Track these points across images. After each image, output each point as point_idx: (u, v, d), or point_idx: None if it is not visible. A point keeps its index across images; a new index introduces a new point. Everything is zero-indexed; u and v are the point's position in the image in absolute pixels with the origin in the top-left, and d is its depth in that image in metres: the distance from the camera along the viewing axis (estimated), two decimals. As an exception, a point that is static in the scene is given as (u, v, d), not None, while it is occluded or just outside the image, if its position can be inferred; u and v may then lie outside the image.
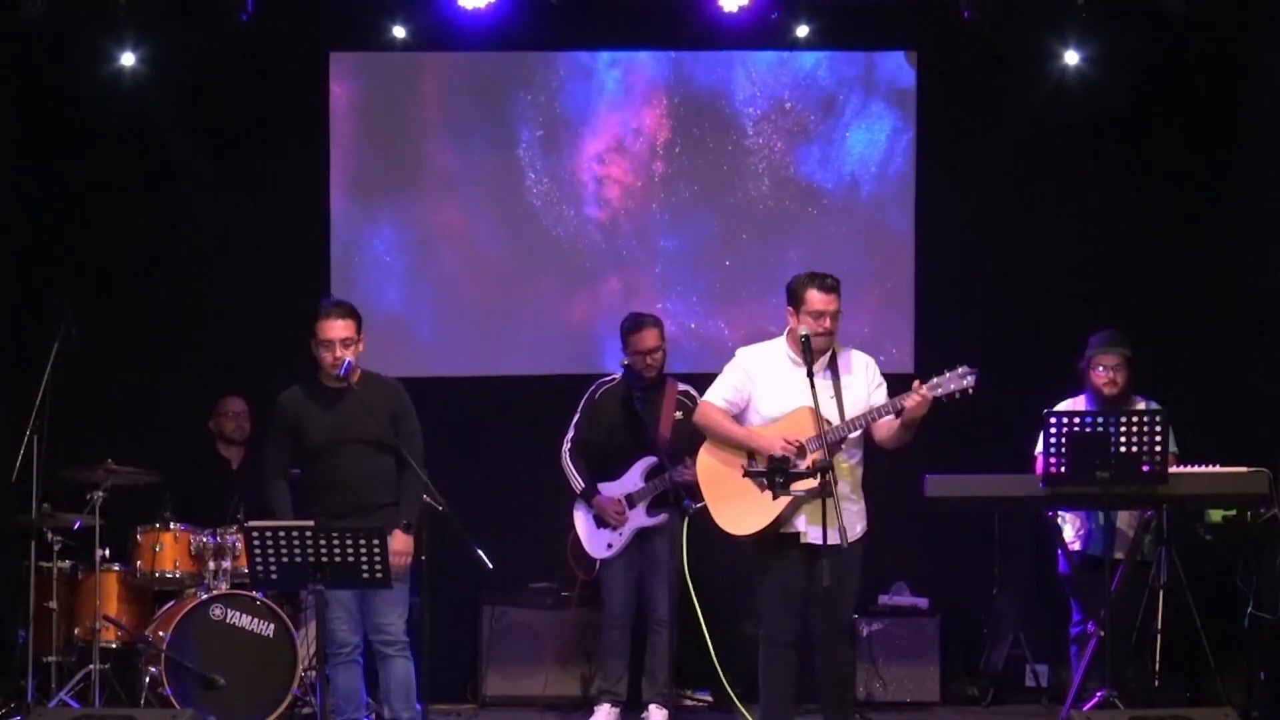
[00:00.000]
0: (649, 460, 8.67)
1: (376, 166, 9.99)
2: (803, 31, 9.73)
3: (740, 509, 7.30)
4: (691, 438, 7.82)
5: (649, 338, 8.76)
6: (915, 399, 7.14)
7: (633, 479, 8.71)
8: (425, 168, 10.00)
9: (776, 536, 7.27)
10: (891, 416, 7.23)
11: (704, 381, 7.68)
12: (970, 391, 7.19)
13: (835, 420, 7.22)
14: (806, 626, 7.34)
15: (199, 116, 9.73)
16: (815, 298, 7.28)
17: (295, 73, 9.84)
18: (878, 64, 9.98)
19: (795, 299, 7.34)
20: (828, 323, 7.26)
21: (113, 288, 9.74)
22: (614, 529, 8.72)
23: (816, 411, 7.15)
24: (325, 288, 8.99)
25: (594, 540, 8.78)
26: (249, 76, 9.74)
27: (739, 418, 7.43)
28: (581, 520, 8.82)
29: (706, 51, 9.93)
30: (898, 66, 9.96)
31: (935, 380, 7.21)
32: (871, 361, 7.48)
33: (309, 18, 9.68)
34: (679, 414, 8.66)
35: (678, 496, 8.39)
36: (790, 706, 7.40)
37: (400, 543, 7.57)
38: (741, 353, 7.52)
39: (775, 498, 7.09)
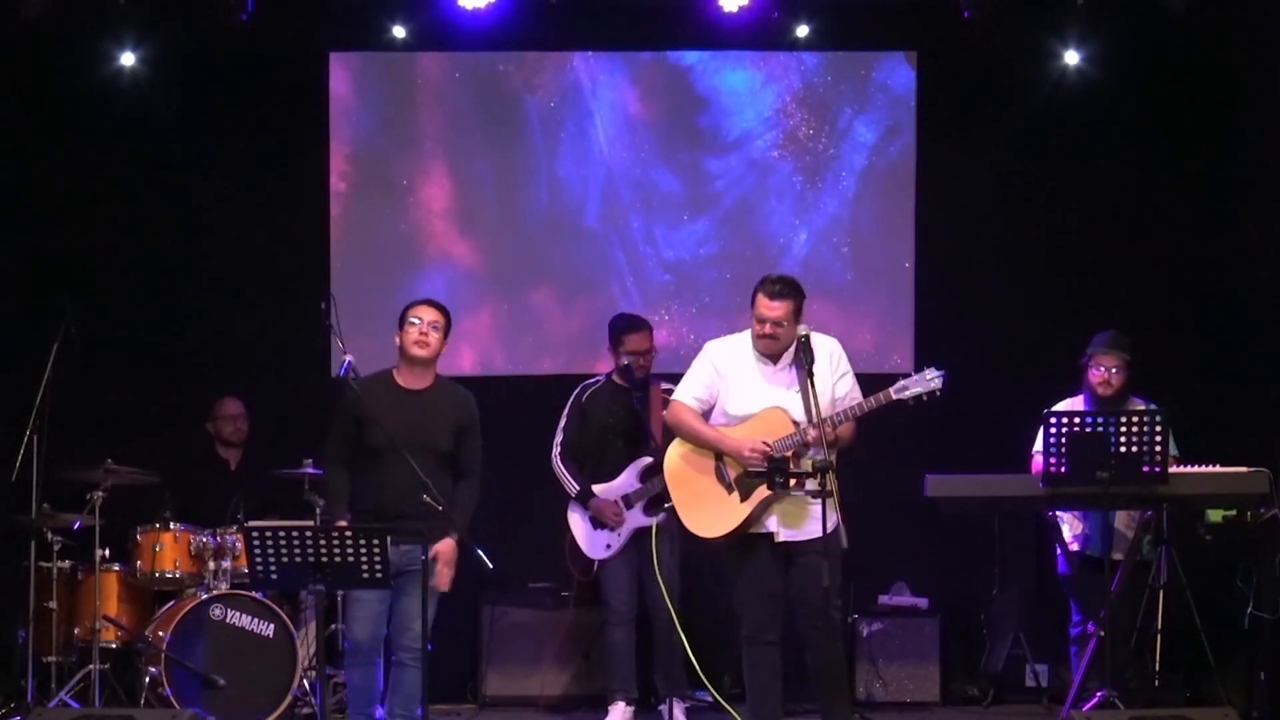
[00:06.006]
0: (643, 461, 8.64)
1: (376, 167, 9.98)
2: (803, 31, 9.74)
3: (709, 512, 7.28)
4: None
5: (643, 339, 8.79)
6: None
7: (628, 480, 8.68)
8: (425, 168, 9.99)
9: (749, 537, 7.24)
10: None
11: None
12: (939, 394, 7.14)
13: (803, 420, 7.15)
14: (791, 625, 7.30)
15: (199, 116, 9.72)
16: (759, 302, 7.25)
17: (295, 72, 9.84)
18: (878, 64, 9.97)
19: (752, 300, 7.32)
20: (768, 328, 7.22)
21: (113, 287, 9.74)
22: (612, 529, 8.71)
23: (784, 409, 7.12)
24: (325, 288, 8.97)
25: (592, 541, 8.76)
26: (249, 76, 9.74)
27: (706, 414, 7.39)
28: (577, 522, 8.80)
29: (706, 51, 9.93)
30: (898, 66, 9.96)
31: (902, 382, 7.18)
32: (836, 349, 7.33)
33: (309, 17, 9.68)
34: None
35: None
36: (777, 705, 7.36)
37: (448, 551, 7.50)
38: (710, 347, 7.43)
39: (776, 496, 7.08)
